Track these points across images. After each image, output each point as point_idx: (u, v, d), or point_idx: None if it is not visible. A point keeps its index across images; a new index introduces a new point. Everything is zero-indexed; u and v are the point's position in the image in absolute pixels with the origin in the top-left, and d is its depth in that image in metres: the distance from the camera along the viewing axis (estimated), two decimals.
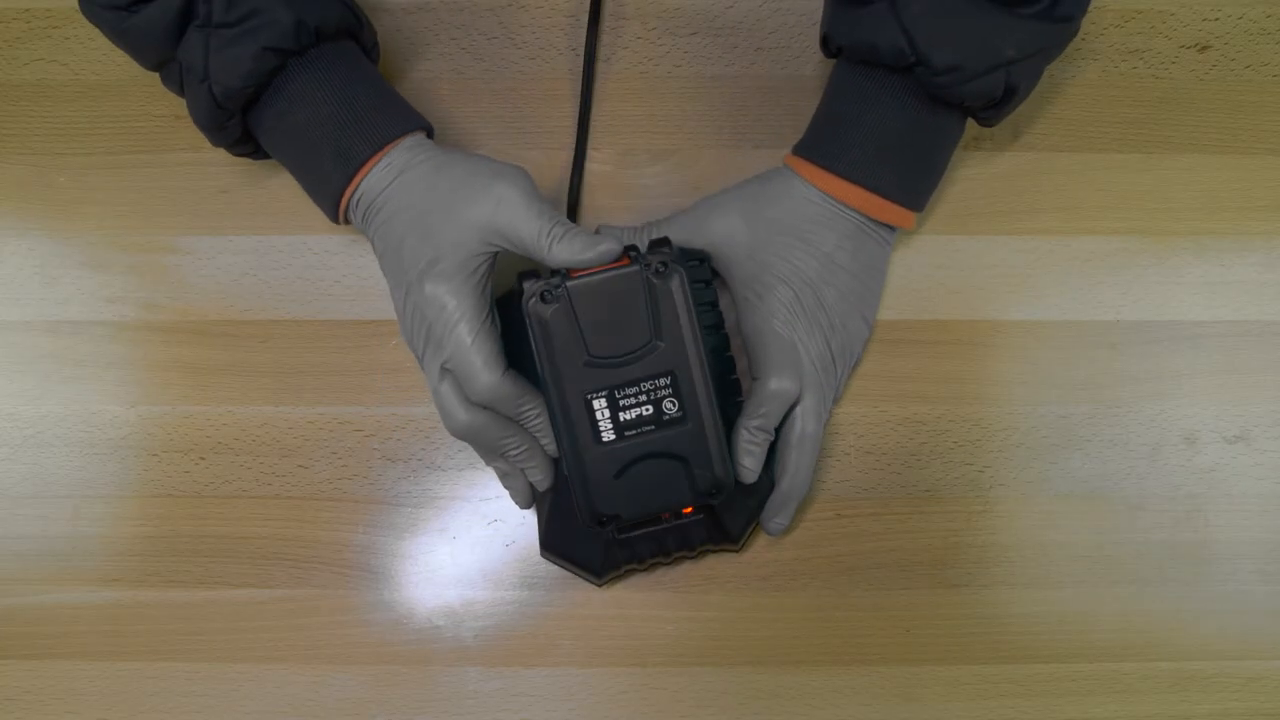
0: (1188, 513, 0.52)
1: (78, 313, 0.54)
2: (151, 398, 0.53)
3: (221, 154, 0.54)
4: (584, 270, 0.45)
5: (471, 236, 0.45)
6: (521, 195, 0.45)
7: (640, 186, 0.54)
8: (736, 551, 0.51)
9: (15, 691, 0.51)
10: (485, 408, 0.46)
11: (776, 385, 0.48)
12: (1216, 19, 0.56)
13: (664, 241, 0.47)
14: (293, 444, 0.52)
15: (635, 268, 0.45)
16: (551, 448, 0.48)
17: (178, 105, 0.50)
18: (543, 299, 0.44)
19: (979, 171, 0.55)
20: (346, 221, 0.49)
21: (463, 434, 0.47)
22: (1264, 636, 0.51)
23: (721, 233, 0.50)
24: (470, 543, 0.52)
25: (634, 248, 0.46)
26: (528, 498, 0.50)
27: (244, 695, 0.50)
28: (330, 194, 0.47)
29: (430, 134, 0.49)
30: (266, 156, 0.51)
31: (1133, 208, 0.54)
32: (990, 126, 0.50)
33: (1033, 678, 0.51)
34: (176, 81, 0.47)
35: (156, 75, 0.48)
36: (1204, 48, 0.56)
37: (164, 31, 0.45)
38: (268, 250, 0.54)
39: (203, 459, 0.52)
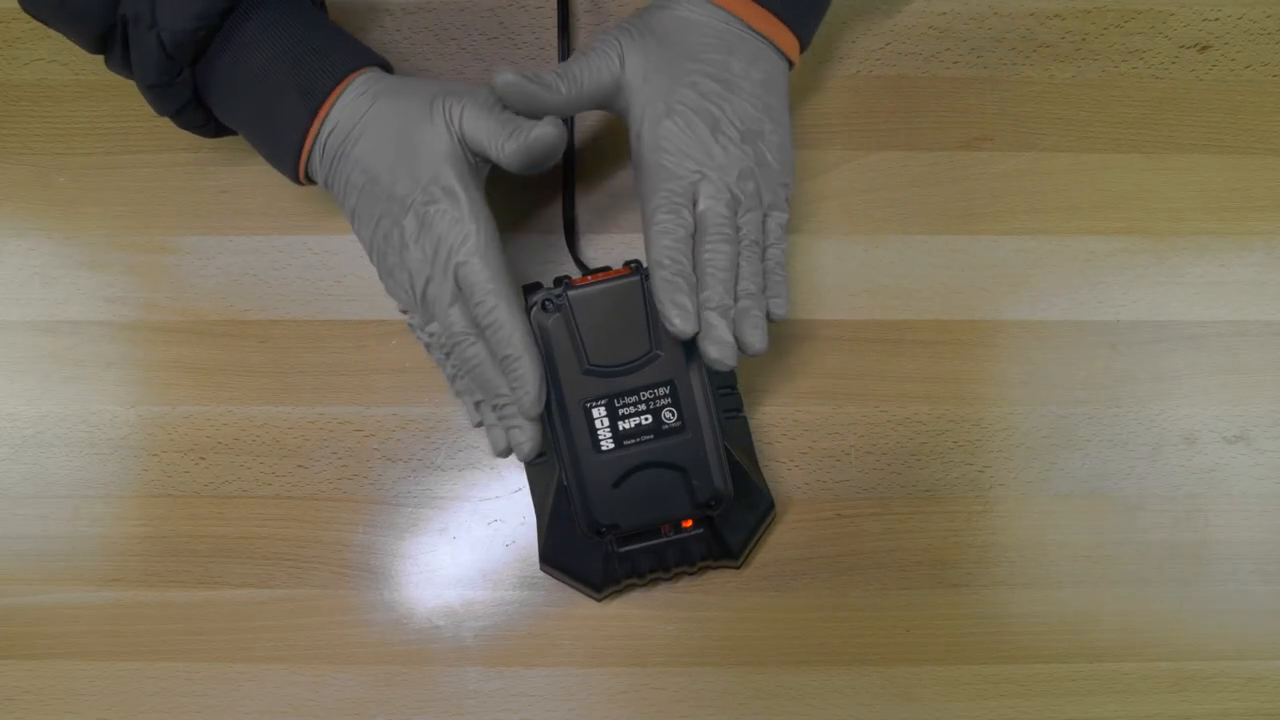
0: (1188, 513, 0.52)
1: (77, 313, 0.54)
2: (151, 398, 0.53)
3: (221, 154, 0.54)
4: (585, 279, 0.45)
5: (455, 151, 0.44)
6: (482, 106, 0.44)
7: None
8: (737, 568, 0.51)
9: (15, 691, 0.50)
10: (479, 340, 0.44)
11: (663, 213, 0.44)
12: (1216, 19, 0.56)
13: None
14: (293, 444, 0.52)
15: (636, 278, 0.45)
16: (531, 384, 0.44)
17: None
18: (544, 308, 0.45)
19: (979, 171, 0.55)
20: (309, 179, 0.47)
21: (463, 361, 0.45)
22: (1264, 636, 0.51)
23: (629, 67, 0.46)
24: (470, 543, 0.52)
25: (635, 261, 0.46)
26: (504, 449, 0.47)
27: (244, 695, 0.50)
28: (293, 139, 0.45)
29: (389, 70, 0.48)
30: (215, 131, 0.49)
31: (1133, 208, 0.54)
32: None
33: (1033, 678, 0.50)
34: (120, 59, 0.45)
35: None
36: (1204, 48, 0.56)
37: None
38: (268, 250, 0.54)
39: (203, 459, 0.52)
